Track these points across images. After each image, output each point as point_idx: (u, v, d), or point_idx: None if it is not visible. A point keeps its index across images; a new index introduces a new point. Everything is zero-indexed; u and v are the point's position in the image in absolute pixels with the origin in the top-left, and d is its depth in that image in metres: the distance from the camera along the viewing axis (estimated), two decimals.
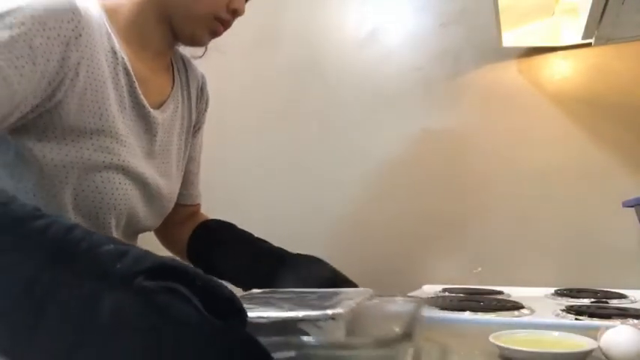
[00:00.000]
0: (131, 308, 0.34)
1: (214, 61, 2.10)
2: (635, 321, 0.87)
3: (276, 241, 1.78)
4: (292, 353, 0.40)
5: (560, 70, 1.51)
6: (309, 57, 1.84)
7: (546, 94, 1.51)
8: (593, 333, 0.64)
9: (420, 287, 1.52)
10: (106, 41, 0.70)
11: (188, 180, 0.97)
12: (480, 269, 1.52)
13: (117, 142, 0.71)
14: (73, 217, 0.68)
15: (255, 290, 0.69)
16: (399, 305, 0.64)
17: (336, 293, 0.64)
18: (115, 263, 0.36)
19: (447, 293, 1.32)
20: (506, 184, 1.52)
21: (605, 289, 1.32)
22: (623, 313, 0.93)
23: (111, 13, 0.73)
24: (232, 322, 0.35)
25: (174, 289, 0.35)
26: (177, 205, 0.92)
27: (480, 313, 0.95)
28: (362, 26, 1.78)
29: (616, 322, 0.83)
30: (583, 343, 0.63)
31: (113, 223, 0.73)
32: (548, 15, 1.45)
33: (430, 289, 1.46)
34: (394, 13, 1.74)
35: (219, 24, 0.80)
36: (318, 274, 0.84)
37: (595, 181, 1.43)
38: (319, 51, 1.83)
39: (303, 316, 0.45)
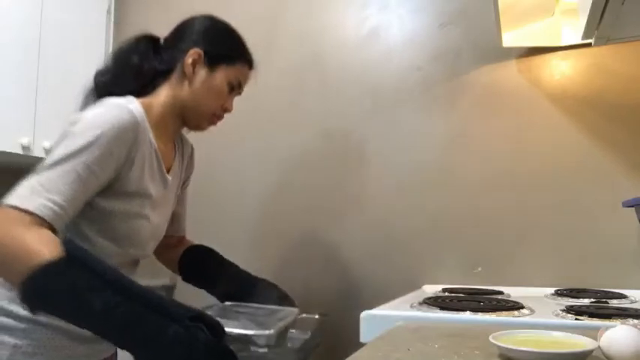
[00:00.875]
0: (182, 333, 0.73)
1: None
2: (635, 321, 0.87)
3: (274, 240, 1.78)
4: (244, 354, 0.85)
5: (560, 70, 1.51)
6: (310, 57, 1.85)
7: (546, 94, 1.51)
8: (593, 333, 0.64)
9: (420, 287, 1.52)
10: (147, 135, 1.01)
11: (181, 218, 1.30)
12: (480, 269, 1.52)
13: (148, 200, 1.03)
14: (103, 240, 0.99)
15: (227, 303, 1.12)
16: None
17: (277, 311, 1.03)
18: (176, 310, 0.75)
19: (447, 293, 1.32)
20: (506, 183, 1.52)
21: (605, 289, 1.32)
22: (623, 313, 0.93)
23: (147, 109, 1.02)
24: (220, 339, 0.77)
25: (199, 326, 0.74)
26: (171, 235, 1.26)
27: (479, 313, 0.95)
28: (362, 26, 1.78)
29: (616, 322, 0.83)
30: (583, 343, 0.63)
31: (132, 250, 1.04)
32: (548, 15, 1.45)
33: (430, 289, 1.46)
34: (394, 13, 1.74)
35: (216, 118, 1.16)
36: (271, 295, 1.16)
37: (595, 181, 1.43)
38: (319, 51, 1.83)
39: (248, 334, 0.87)
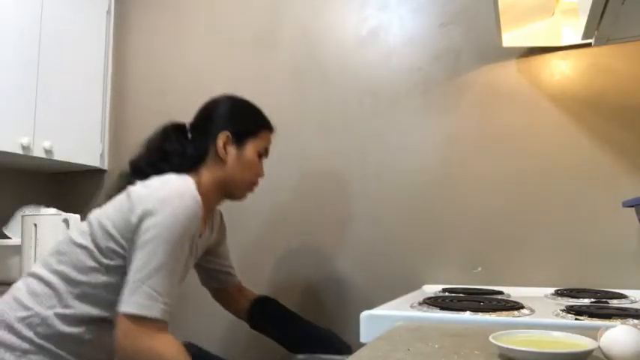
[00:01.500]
0: None
1: (215, 61, 2.12)
2: (635, 321, 0.87)
3: (274, 240, 1.78)
4: None
5: (560, 70, 1.51)
6: (310, 57, 1.85)
7: (546, 94, 1.51)
8: (593, 333, 0.64)
9: (420, 287, 1.52)
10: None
11: (232, 271, 1.44)
12: (480, 269, 1.52)
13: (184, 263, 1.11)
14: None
15: (300, 356, 1.27)
16: None
17: None
18: None
19: (447, 293, 1.32)
20: (506, 183, 1.52)
21: (605, 289, 1.32)
22: (623, 313, 0.93)
23: (197, 185, 1.10)
24: None
25: None
26: (228, 287, 1.43)
27: (479, 313, 0.95)
28: (362, 26, 1.78)
29: (616, 322, 0.83)
30: (583, 343, 0.63)
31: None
32: (548, 15, 1.45)
33: (430, 289, 1.46)
34: (394, 13, 1.74)
35: (253, 186, 1.27)
36: (335, 345, 1.29)
37: (595, 181, 1.43)
38: (319, 51, 1.83)
39: None
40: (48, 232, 1.66)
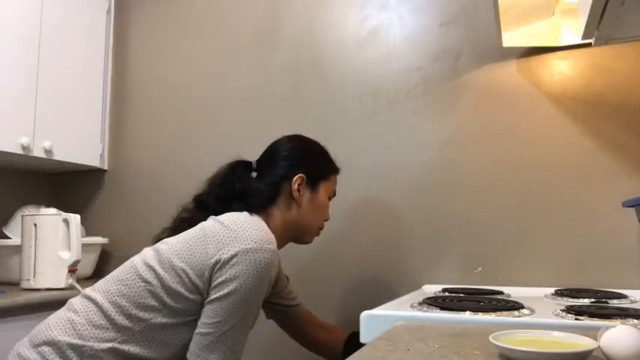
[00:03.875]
0: None
1: (216, 61, 2.12)
2: (635, 321, 0.87)
3: None
4: None
5: (560, 70, 1.51)
6: (310, 56, 1.85)
7: (546, 94, 1.51)
8: (593, 333, 0.64)
9: (420, 287, 1.52)
10: None
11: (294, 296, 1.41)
12: (480, 269, 1.52)
13: None
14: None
15: None
16: None
17: None
18: None
19: (447, 293, 1.32)
20: (506, 183, 1.52)
21: (605, 289, 1.32)
22: (623, 313, 0.93)
23: (267, 224, 1.07)
24: None
25: None
26: (298, 313, 1.38)
27: (480, 313, 0.95)
28: (362, 26, 1.79)
29: (616, 322, 0.83)
30: (583, 343, 0.63)
31: None
32: (548, 15, 1.45)
33: (430, 289, 1.46)
34: (394, 13, 1.74)
35: (320, 230, 1.25)
36: None
37: (595, 181, 1.43)
38: (320, 50, 1.83)
39: None
40: (48, 232, 1.67)
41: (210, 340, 0.95)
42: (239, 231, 1.00)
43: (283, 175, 1.17)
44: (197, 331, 0.98)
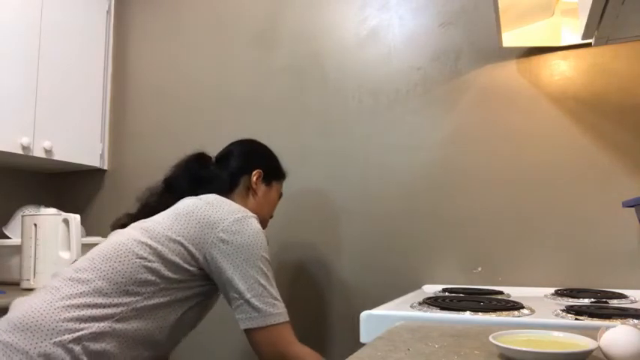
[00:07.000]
0: None
1: (216, 60, 2.11)
2: (635, 321, 0.87)
3: (273, 240, 1.78)
4: None
5: (560, 70, 1.51)
6: (310, 57, 1.85)
7: (546, 94, 1.51)
8: (593, 333, 0.64)
9: (420, 287, 1.52)
10: None
11: None
12: (480, 269, 1.52)
13: None
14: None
15: None
16: None
17: None
18: None
19: (447, 293, 1.32)
20: (506, 184, 1.52)
21: (605, 289, 1.32)
22: (623, 313, 0.93)
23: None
24: None
25: None
26: None
27: (480, 313, 0.95)
28: (362, 26, 1.79)
29: (616, 322, 0.83)
30: (583, 343, 0.63)
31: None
32: (548, 15, 1.45)
33: (430, 289, 1.46)
34: (394, 13, 1.74)
35: (267, 223, 1.38)
36: None
37: (595, 181, 1.43)
38: (320, 51, 1.83)
39: None
40: (48, 232, 1.66)
41: (252, 300, 1.04)
42: (224, 206, 1.11)
43: (243, 167, 1.31)
44: (233, 306, 1.06)
